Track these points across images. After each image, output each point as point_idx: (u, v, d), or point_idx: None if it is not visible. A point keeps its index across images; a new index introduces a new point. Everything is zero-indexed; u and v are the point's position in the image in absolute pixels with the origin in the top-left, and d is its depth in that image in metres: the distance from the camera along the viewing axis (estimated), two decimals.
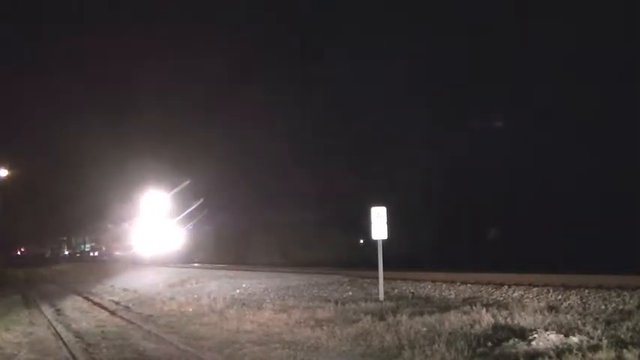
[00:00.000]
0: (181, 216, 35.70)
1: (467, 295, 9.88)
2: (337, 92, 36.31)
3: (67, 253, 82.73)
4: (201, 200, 35.54)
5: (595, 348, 5.43)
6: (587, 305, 7.98)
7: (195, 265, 30.20)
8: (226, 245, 35.54)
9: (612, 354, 5.20)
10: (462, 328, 6.92)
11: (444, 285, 11.05)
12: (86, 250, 70.14)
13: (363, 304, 9.57)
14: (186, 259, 34.49)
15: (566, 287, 9.29)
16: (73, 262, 56.79)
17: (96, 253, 62.15)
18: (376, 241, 10.43)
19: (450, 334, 6.69)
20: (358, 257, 19.95)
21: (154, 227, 35.88)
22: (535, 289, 9.55)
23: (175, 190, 35.18)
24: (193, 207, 35.45)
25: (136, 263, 33.47)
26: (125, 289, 17.87)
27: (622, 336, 5.84)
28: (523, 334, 6.20)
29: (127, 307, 13.19)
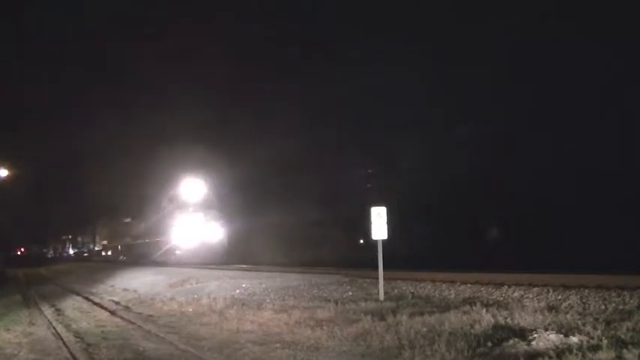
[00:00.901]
0: (215, 211, 30.81)
1: (467, 295, 9.87)
2: (336, 93, 36.38)
3: (72, 252, 77.91)
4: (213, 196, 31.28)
5: (595, 348, 5.43)
6: (587, 305, 7.97)
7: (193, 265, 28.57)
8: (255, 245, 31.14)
9: (612, 354, 5.20)
10: (462, 328, 6.92)
11: (444, 285, 11.04)
12: (96, 248, 62.27)
13: (363, 304, 9.57)
14: (231, 259, 28.38)
15: (566, 287, 9.28)
16: (79, 262, 52.54)
17: (109, 253, 53.75)
18: (376, 241, 10.43)
19: (450, 334, 6.69)
20: (358, 257, 19.94)
21: (191, 222, 30.00)
22: (535, 289, 9.55)
23: (208, 183, 30.85)
24: (214, 202, 30.99)
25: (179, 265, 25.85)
26: (125, 289, 17.87)
27: (622, 336, 5.84)
28: (523, 334, 6.20)
29: (127, 307, 13.20)
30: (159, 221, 33.44)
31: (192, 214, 30.30)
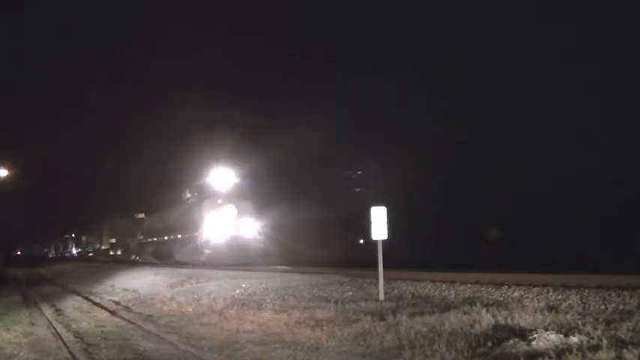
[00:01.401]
0: (248, 202, 26.10)
1: (467, 295, 9.86)
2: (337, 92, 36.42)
3: (75, 252, 74.11)
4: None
5: (595, 348, 5.42)
6: (587, 305, 7.96)
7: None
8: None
9: (612, 354, 5.19)
10: (462, 328, 6.92)
11: (444, 285, 11.03)
12: (102, 247, 56.13)
13: (363, 304, 9.56)
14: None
15: (566, 287, 9.27)
16: (82, 262, 49.76)
17: (118, 252, 48.14)
18: (376, 242, 10.43)
19: (450, 334, 6.69)
20: (358, 257, 19.93)
21: (221, 216, 24.98)
22: (535, 289, 9.54)
23: (238, 172, 26.45)
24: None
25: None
26: (125, 289, 17.88)
27: (622, 336, 5.83)
28: (523, 334, 6.19)
29: (127, 307, 13.20)
30: (181, 216, 28.44)
31: (223, 206, 25.34)
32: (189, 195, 27.73)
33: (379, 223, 10.32)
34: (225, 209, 25.28)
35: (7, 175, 31.18)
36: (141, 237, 38.51)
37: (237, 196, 26.01)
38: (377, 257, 10.53)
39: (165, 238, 30.70)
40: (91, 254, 61.27)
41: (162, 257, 30.96)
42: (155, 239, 33.44)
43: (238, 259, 23.57)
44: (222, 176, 26.37)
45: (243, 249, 24.57)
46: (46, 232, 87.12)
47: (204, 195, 26.35)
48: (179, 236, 28.58)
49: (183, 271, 21.22)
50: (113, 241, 51.46)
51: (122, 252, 46.52)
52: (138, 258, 38.19)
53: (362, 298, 10.39)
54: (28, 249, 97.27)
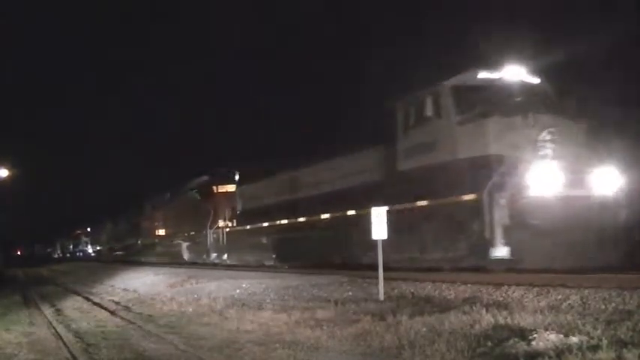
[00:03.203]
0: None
1: (467, 295, 9.85)
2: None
3: (91, 250, 59.36)
4: None
5: (595, 348, 5.42)
6: (587, 305, 7.96)
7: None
8: None
9: (612, 354, 5.19)
10: (462, 328, 6.92)
11: (444, 285, 11.02)
12: (141, 242, 38.25)
13: (363, 304, 9.56)
14: None
15: (566, 287, 9.27)
16: (93, 262, 42.68)
17: (177, 248, 30.08)
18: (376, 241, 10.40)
19: (450, 334, 6.70)
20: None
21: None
22: (535, 289, 9.52)
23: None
24: None
25: None
26: (125, 289, 17.91)
27: (622, 336, 5.83)
28: (523, 334, 6.20)
29: (127, 307, 13.21)
30: (390, 162, 14.50)
31: (534, 132, 11.85)
32: (429, 112, 12.93)
33: (379, 223, 10.32)
34: (544, 140, 11.87)
35: (8, 175, 31.21)
36: (229, 223, 24.50)
37: (559, 111, 12.57)
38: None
39: (322, 217, 16.74)
40: (118, 253, 44.13)
41: (304, 257, 18.12)
42: (276, 223, 19.43)
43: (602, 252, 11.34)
44: (511, 73, 12.81)
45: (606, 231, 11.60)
46: (50, 231, 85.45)
47: (486, 107, 12.29)
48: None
49: (183, 270, 21.25)
50: (162, 232, 33.96)
51: (188, 247, 29.11)
52: (226, 259, 24.24)
53: (362, 298, 10.39)
54: (30, 249, 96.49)
